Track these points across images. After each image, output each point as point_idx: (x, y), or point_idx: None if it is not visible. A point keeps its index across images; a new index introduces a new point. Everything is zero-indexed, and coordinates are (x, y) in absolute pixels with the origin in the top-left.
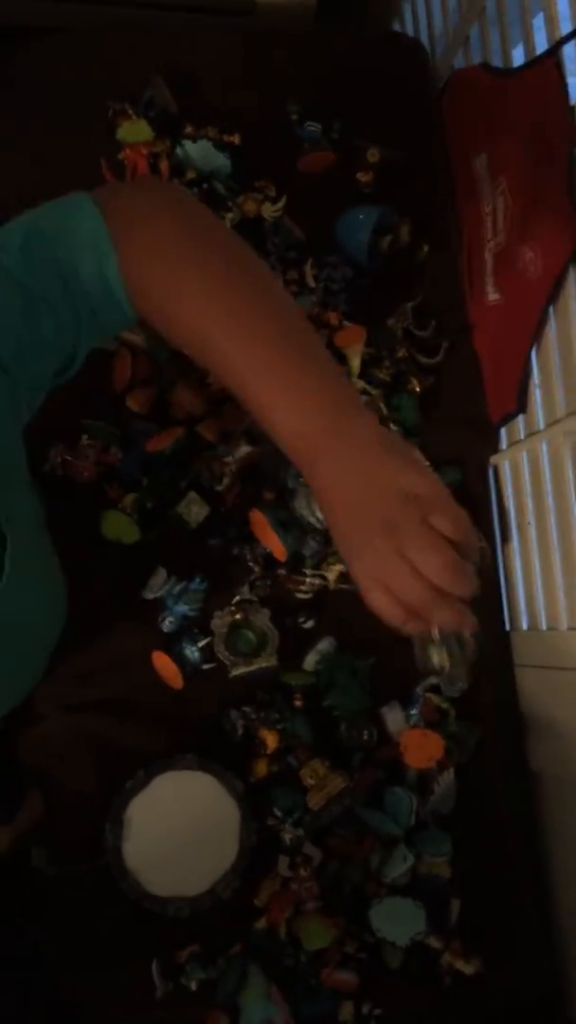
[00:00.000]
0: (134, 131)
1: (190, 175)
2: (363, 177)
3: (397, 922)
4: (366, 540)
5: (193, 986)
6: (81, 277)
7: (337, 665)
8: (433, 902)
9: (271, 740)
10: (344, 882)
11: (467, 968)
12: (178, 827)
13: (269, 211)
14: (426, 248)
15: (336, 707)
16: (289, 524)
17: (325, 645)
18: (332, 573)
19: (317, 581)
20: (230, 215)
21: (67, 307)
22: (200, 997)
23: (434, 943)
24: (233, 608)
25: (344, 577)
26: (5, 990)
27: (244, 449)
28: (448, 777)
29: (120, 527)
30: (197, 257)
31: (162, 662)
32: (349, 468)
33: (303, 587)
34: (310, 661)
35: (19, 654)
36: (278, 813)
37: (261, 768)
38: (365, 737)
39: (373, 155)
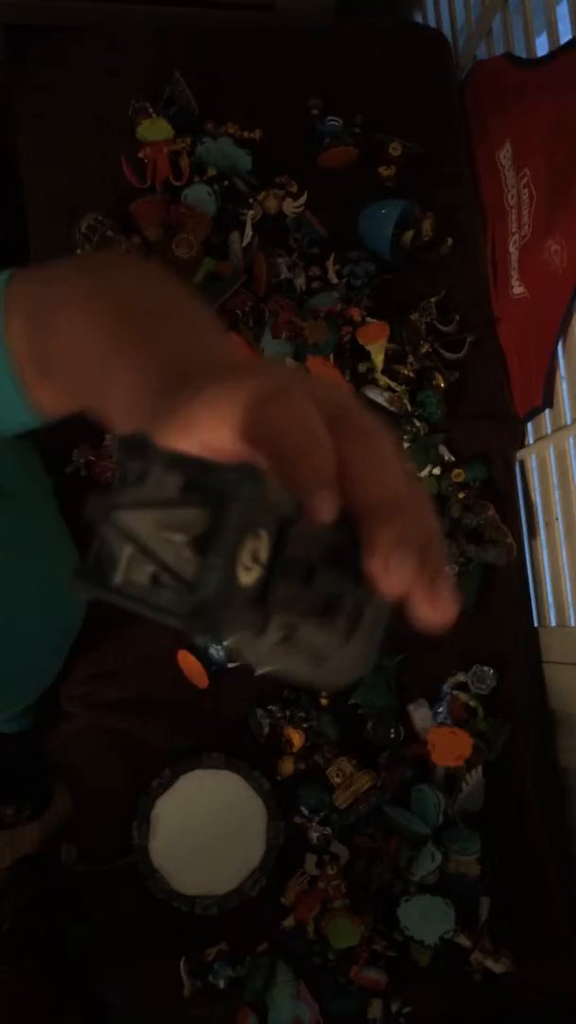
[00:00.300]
0: (154, 129)
1: (210, 172)
2: (385, 171)
3: (426, 920)
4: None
5: (221, 984)
6: None
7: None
8: (462, 900)
9: (297, 738)
10: (372, 880)
11: (497, 967)
12: (205, 825)
13: (291, 207)
14: (449, 242)
15: (362, 705)
16: None
17: None
18: None
19: None
20: (251, 212)
21: None
22: (228, 995)
23: (464, 941)
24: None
25: None
26: (39, 983)
27: None
28: (476, 775)
29: None
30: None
31: (187, 661)
32: None
33: None
34: None
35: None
36: (305, 811)
37: (287, 767)
38: (392, 735)
39: (395, 149)
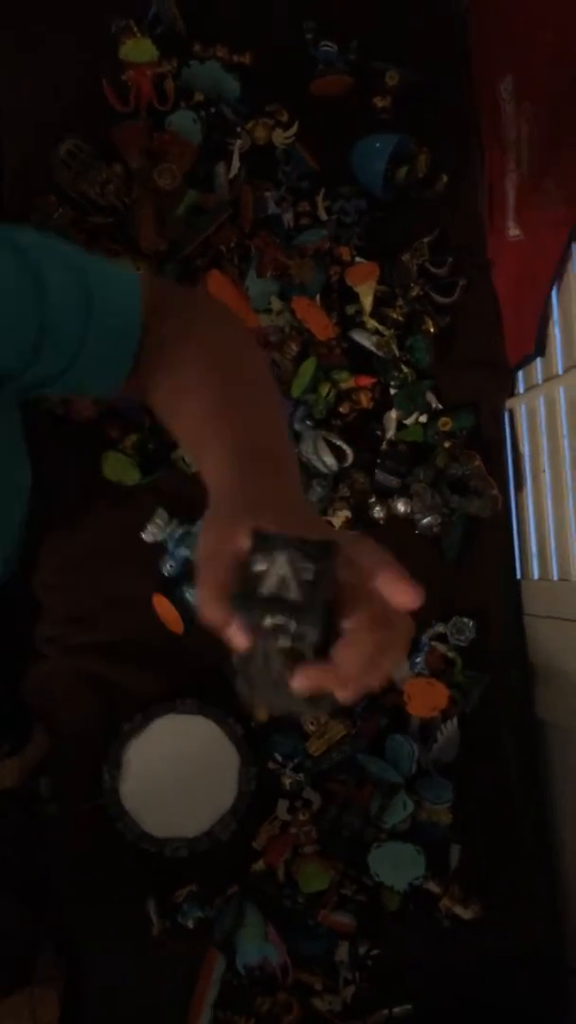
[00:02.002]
0: (138, 50)
1: (197, 98)
2: (380, 102)
3: (396, 867)
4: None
5: (190, 924)
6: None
7: None
8: (433, 848)
9: None
10: (343, 827)
11: (465, 913)
12: (177, 770)
13: (280, 138)
14: (445, 179)
15: None
16: None
17: None
18: (338, 519)
19: None
20: (239, 141)
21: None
22: (197, 935)
23: (433, 888)
24: None
25: (351, 523)
26: (18, 914)
27: None
28: (452, 726)
29: (120, 468)
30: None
31: (163, 606)
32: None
33: None
34: None
35: None
36: (278, 758)
37: (262, 713)
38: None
39: (392, 78)
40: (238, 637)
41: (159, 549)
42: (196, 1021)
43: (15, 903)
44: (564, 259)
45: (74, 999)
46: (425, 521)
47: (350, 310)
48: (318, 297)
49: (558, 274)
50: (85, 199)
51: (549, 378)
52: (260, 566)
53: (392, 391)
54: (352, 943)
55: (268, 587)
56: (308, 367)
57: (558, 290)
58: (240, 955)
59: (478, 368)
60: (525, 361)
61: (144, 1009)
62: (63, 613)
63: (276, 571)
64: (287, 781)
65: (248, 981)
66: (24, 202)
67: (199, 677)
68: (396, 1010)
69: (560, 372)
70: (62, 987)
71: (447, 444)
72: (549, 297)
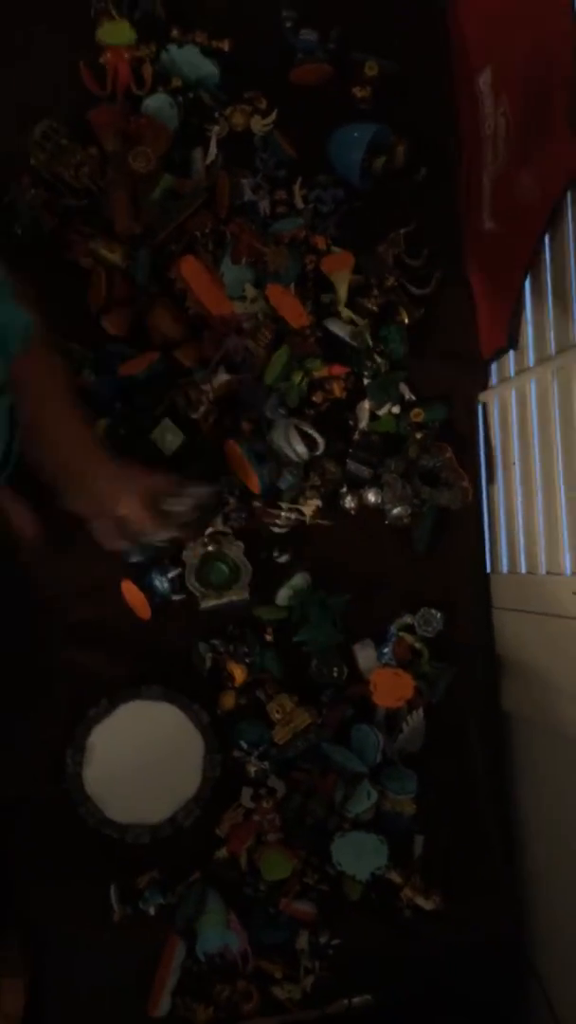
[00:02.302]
0: (116, 32)
1: (175, 83)
2: (360, 92)
3: (359, 856)
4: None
5: (152, 911)
6: None
7: (310, 601)
8: (396, 838)
9: (239, 674)
10: (307, 815)
11: (427, 904)
12: (141, 756)
13: (259, 125)
14: (423, 171)
15: (307, 643)
16: (266, 456)
17: (299, 580)
18: (309, 508)
19: (293, 516)
20: (217, 127)
21: None
22: (158, 922)
23: (395, 878)
24: (206, 540)
25: (321, 512)
26: None
27: (222, 377)
28: (417, 717)
29: None
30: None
31: (131, 592)
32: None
33: (278, 521)
34: (283, 596)
35: None
36: (244, 746)
37: (228, 701)
38: (335, 674)
39: (371, 68)
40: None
41: None
42: (156, 1007)
43: None
44: (536, 252)
45: (36, 984)
46: (395, 512)
47: (325, 299)
48: (293, 285)
49: (531, 267)
50: (59, 181)
51: (521, 371)
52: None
53: (365, 381)
54: (313, 932)
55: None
56: (281, 355)
57: (531, 283)
58: (201, 942)
59: (452, 360)
60: (498, 354)
61: (104, 995)
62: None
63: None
64: (252, 769)
65: (208, 968)
66: (1, 181)
67: (165, 663)
68: (356, 1000)
69: (532, 364)
70: (28, 978)
71: (419, 435)
72: (522, 290)
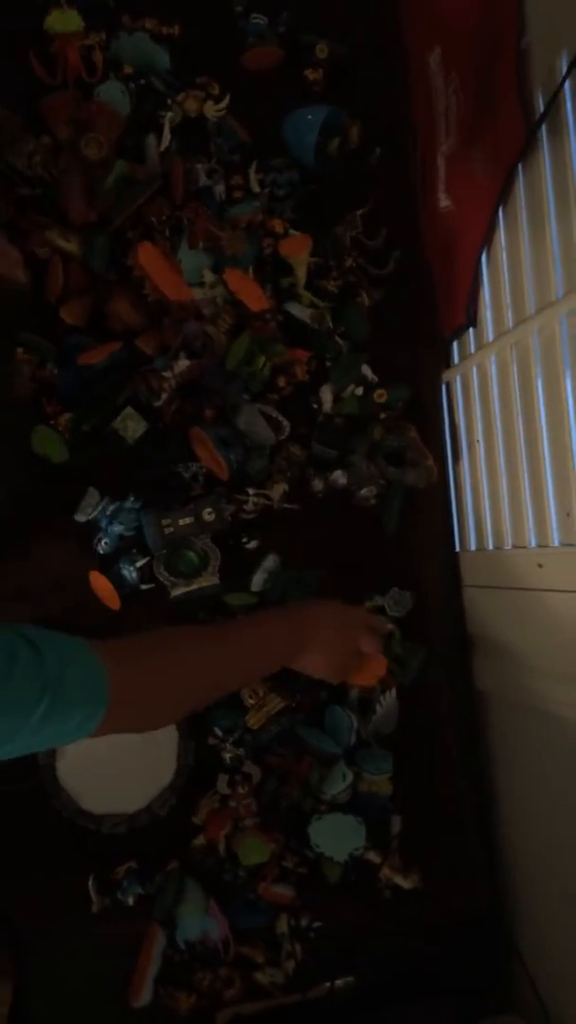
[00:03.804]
0: (64, 20)
1: (127, 70)
2: (312, 75)
3: (336, 838)
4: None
5: (130, 901)
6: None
7: (284, 579)
8: (373, 818)
9: None
10: (282, 799)
11: (405, 883)
12: (113, 746)
13: (212, 110)
14: (377, 151)
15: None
16: (231, 442)
17: (270, 563)
18: (276, 492)
19: (261, 500)
20: (170, 114)
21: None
22: (137, 912)
23: (373, 858)
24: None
25: (289, 496)
26: None
27: (183, 363)
28: (390, 697)
29: (49, 444)
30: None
31: (99, 582)
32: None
33: (246, 506)
34: (258, 581)
35: None
36: (218, 732)
37: None
38: None
39: (322, 50)
40: None
41: (94, 526)
42: (138, 997)
43: None
44: (491, 228)
45: (21, 981)
46: (362, 493)
47: (284, 283)
48: (251, 269)
49: (486, 243)
50: (12, 171)
51: (480, 347)
52: None
53: (328, 364)
54: (293, 915)
55: None
56: (242, 341)
57: (487, 259)
58: (181, 930)
59: (413, 340)
60: (458, 332)
61: (86, 986)
62: (3, 590)
63: None
64: (227, 755)
65: (189, 956)
66: None
67: None
68: (338, 982)
69: (490, 339)
70: (13, 979)
71: (383, 416)
72: (478, 267)
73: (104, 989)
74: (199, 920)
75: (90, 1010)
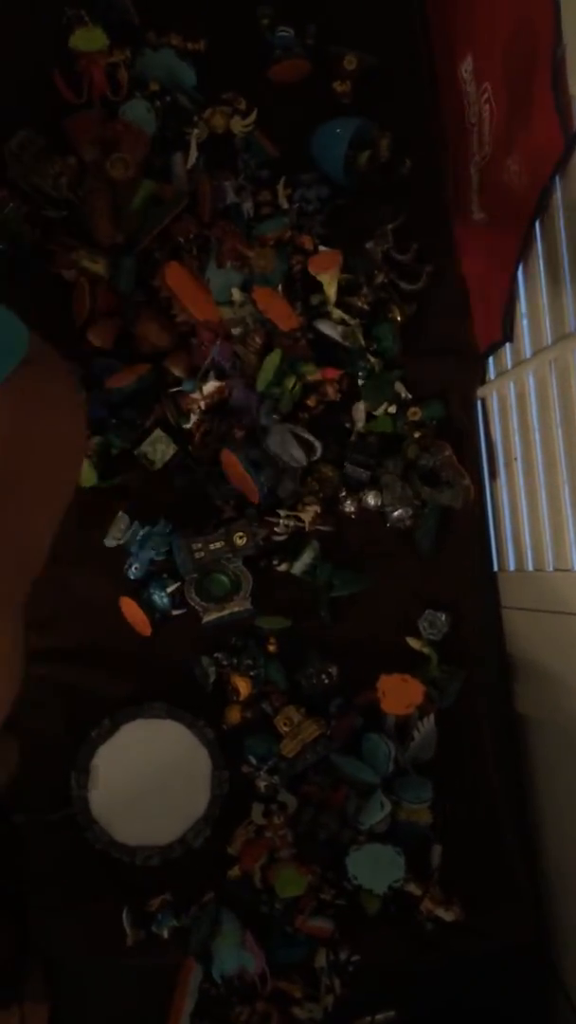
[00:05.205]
0: (89, 38)
1: (152, 87)
2: (340, 87)
3: (375, 869)
4: None
5: (165, 934)
6: None
7: (325, 568)
8: (413, 848)
9: (244, 687)
10: (319, 830)
11: (447, 915)
12: (146, 776)
13: (239, 126)
14: (408, 164)
15: (343, 590)
16: (262, 463)
17: (309, 553)
18: (308, 514)
19: (292, 523)
20: (196, 131)
21: None
22: (173, 945)
23: (414, 890)
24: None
25: (321, 517)
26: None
27: (213, 384)
28: (429, 723)
29: None
30: None
31: (130, 608)
32: None
33: (277, 529)
34: (299, 566)
35: None
36: (252, 761)
37: (234, 715)
38: (326, 681)
39: (351, 62)
40: None
41: (123, 551)
42: None
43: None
44: (527, 239)
45: (52, 1011)
46: (396, 514)
47: (314, 300)
48: (280, 287)
49: (523, 255)
50: (39, 192)
51: (518, 363)
52: None
53: (360, 382)
54: (331, 949)
55: None
56: (272, 360)
57: (524, 272)
58: (217, 964)
59: (447, 356)
60: (494, 347)
61: (121, 1020)
62: (27, 618)
63: None
64: (262, 784)
65: (226, 991)
66: None
67: (167, 679)
68: (379, 1016)
69: (528, 356)
70: (50, 1005)
71: (417, 434)
72: (515, 280)
73: (139, 1023)
74: (236, 953)
75: None
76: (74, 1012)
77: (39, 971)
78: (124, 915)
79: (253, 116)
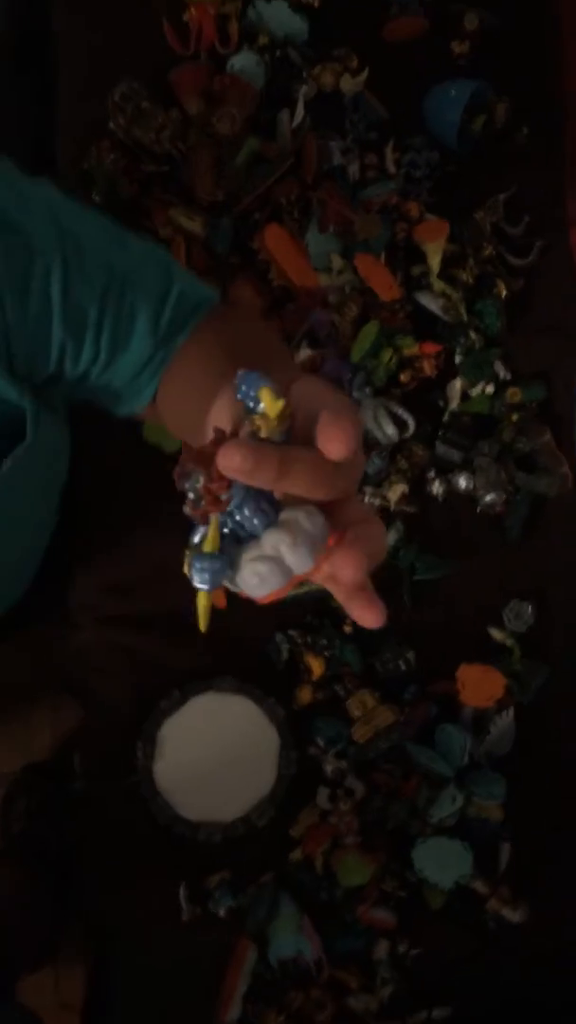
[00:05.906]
0: None
1: (262, 40)
2: (458, 47)
3: (441, 863)
4: None
5: (221, 912)
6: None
7: (409, 551)
8: (482, 845)
9: (317, 667)
10: (387, 819)
11: (514, 916)
12: (213, 751)
13: (349, 84)
14: (525, 131)
15: (425, 574)
16: None
17: (393, 533)
18: (394, 493)
19: (377, 501)
20: (304, 88)
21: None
22: (228, 924)
23: (480, 888)
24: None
25: (407, 498)
26: (45, 889)
27: (305, 352)
28: (507, 717)
29: (161, 432)
30: None
31: None
32: None
33: None
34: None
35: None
36: (321, 743)
37: (305, 695)
38: (403, 667)
39: (471, 22)
40: None
41: None
42: (226, 1012)
43: (43, 878)
44: None
45: (101, 983)
46: (488, 499)
47: (416, 271)
48: (383, 255)
49: None
50: (139, 146)
51: None
52: None
53: (458, 359)
54: (392, 942)
55: None
56: (370, 330)
57: None
58: (273, 948)
59: (552, 336)
60: None
61: (172, 997)
62: (100, 583)
63: None
64: (329, 768)
65: (280, 975)
66: (80, 146)
67: (239, 654)
68: (435, 1012)
69: None
70: (88, 970)
71: (515, 417)
72: None
73: (190, 1000)
74: (292, 938)
75: (172, 1019)
76: (125, 982)
77: (78, 939)
78: (181, 891)
79: (364, 75)
